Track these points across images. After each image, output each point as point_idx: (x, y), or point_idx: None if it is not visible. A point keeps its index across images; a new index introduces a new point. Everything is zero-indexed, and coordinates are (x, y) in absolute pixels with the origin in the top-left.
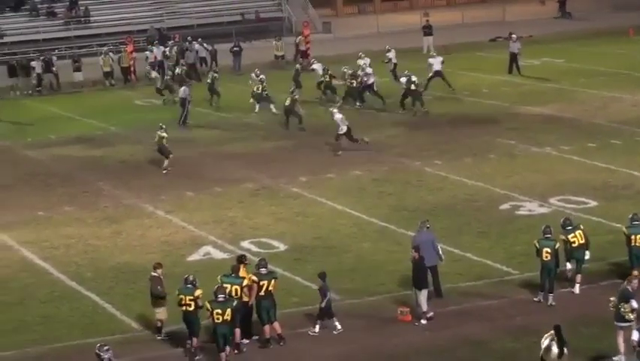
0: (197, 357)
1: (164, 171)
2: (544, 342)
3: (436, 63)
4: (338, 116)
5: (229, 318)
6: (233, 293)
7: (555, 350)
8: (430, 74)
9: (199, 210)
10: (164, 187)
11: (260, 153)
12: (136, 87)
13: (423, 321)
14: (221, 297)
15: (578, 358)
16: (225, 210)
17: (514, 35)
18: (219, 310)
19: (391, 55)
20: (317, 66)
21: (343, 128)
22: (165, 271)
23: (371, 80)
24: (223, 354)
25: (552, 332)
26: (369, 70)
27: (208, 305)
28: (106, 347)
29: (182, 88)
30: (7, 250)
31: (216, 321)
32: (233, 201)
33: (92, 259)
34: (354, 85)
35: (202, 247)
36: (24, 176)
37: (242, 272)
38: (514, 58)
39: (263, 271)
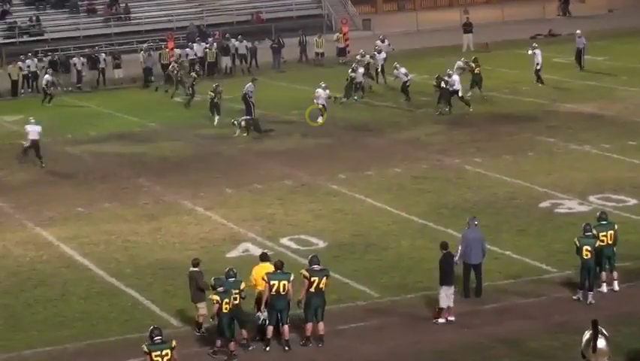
0: (250, 347)
1: None
2: (585, 336)
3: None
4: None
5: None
6: (281, 289)
7: (597, 344)
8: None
9: (238, 207)
10: (204, 184)
11: (299, 150)
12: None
13: (440, 320)
14: (231, 279)
15: (618, 357)
16: (264, 207)
17: (578, 31)
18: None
19: (382, 56)
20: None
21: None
22: (204, 267)
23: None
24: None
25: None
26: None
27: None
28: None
29: (248, 84)
30: (48, 246)
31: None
32: (273, 198)
33: (131, 256)
34: (447, 88)
35: (241, 243)
36: (64, 172)
37: (266, 267)
38: (580, 53)
39: (316, 267)
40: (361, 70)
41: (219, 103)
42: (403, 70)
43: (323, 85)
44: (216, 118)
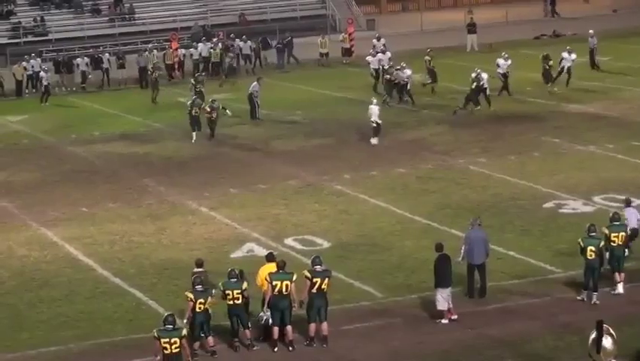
0: (255, 347)
1: None
2: (592, 336)
3: (505, 66)
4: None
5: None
6: (284, 290)
7: (604, 344)
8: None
9: (243, 207)
10: (208, 184)
11: (303, 150)
12: (180, 84)
13: (443, 321)
14: (233, 280)
15: (621, 357)
16: (269, 208)
17: (591, 31)
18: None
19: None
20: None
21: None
22: (209, 267)
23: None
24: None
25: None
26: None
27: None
28: None
29: (254, 83)
30: (52, 246)
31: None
32: (277, 199)
33: (135, 256)
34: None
35: (245, 243)
36: (68, 173)
37: (272, 268)
38: (592, 53)
39: (318, 268)
40: (407, 71)
41: (199, 117)
42: (407, 72)
43: (374, 101)
44: (194, 134)
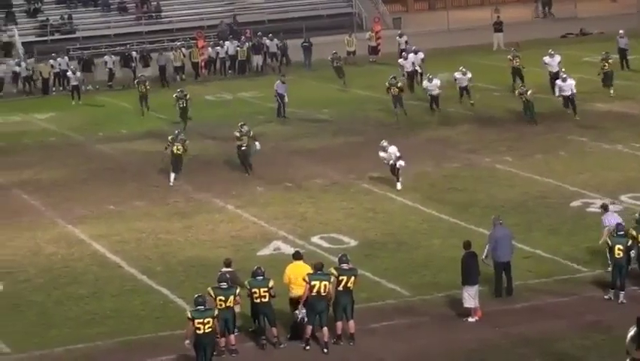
0: (282, 345)
1: None
2: (630, 333)
3: (554, 64)
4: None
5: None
6: (322, 290)
7: None
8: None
9: (269, 205)
10: (235, 182)
11: (330, 148)
12: (206, 83)
13: (470, 319)
14: (259, 278)
15: None
16: (296, 206)
17: (621, 31)
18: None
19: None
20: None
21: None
22: (236, 265)
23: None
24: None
25: None
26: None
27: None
28: None
29: (277, 82)
30: (79, 244)
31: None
32: (304, 197)
33: (162, 254)
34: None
35: (272, 242)
36: (95, 170)
37: (299, 266)
38: (623, 54)
39: (345, 266)
40: (436, 81)
41: (181, 156)
42: (436, 82)
43: (385, 143)
44: (173, 176)
